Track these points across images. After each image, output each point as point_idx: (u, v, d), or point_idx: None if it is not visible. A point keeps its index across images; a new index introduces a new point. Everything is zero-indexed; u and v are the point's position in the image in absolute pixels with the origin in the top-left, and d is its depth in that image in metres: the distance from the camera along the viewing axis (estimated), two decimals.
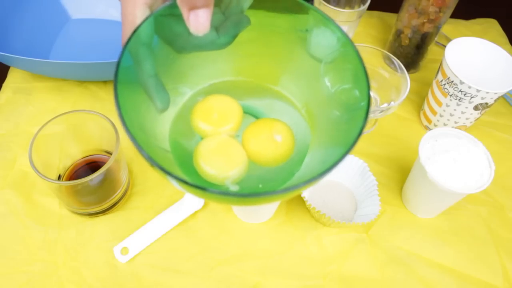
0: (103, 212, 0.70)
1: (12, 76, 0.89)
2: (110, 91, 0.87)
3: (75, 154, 0.73)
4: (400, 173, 0.79)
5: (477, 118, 0.80)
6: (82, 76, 0.86)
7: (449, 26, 1.07)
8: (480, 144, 0.68)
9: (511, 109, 0.92)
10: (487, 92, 0.72)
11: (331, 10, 0.87)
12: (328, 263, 0.68)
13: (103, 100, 0.86)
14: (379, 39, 1.03)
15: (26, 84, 0.87)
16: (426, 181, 0.66)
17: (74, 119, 0.68)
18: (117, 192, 0.69)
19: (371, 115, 0.77)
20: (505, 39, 1.06)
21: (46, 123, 0.66)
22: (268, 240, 0.70)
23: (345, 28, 0.91)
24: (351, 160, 0.74)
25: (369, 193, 0.71)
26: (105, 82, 0.88)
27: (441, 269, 0.68)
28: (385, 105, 0.84)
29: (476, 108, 0.76)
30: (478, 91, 0.73)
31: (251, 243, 0.69)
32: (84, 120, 0.69)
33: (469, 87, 0.73)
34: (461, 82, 0.73)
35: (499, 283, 0.67)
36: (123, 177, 0.70)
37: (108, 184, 0.67)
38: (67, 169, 0.72)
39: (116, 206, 0.71)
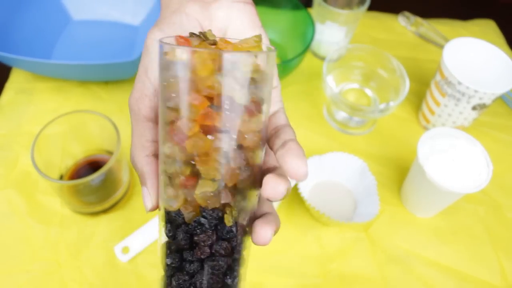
0: (104, 211, 0.69)
1: (14, 77, 0.89)
2: (111, 91, 0.87)
3: (76, 154, 0.73)
4: (399, 173, 0.78)
5: (475, 118, 0.80)
6: (84, 77, 0.86)
7: (447, 27, 1.06)
8: (478, 144, 0.68)
9: (509, 109, 0.91)
10: (485, 93, 0.72)
11: (330, 11, 0.87)
12: (328, 262, 0.67)
13: (104, 101, 0.85)
14: (378, 40, 1.02)
15: (28, 84, 0.87)
16: (425, 180, 0.66)
17: (76, 119, 0.68)
18: (118, 192, 0.69)
19: (370, 115, 0.77)
20: (502, 40, 1.06)
21: (48, 123, 0.66)
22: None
23: (344, 29, 0.91)
24: (350, 160, 0.74)
25: (368, 192, 0.71)
26: (106, 82, 0.88)
27: (439, 268, 0.68)
28: (384, 105, 0.84)
29: (474, 108, 0.76)
30: (476, 91, 0.73)
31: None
32: (86, 120, 0.69)
33: (467, 88, 0.73)
34: (459, 83, 0.73)
35: (497, 282, 0.67)
36: (124, 176, 0.70)
37: (109, 184, 0.67)
38: (69, 169, 0.71)
39: (117, 205, 0.71)
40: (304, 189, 0.70)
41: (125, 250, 0.66)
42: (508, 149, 0.84)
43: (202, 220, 0.33)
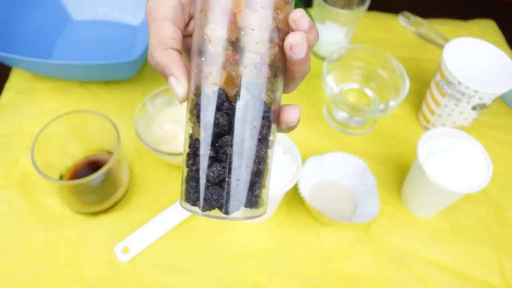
0: (104, 211, 0.69)
1: (15, 77, 0.89)
2: (111, 91, 0.87)
3: (76, 154, 0.72)
4: (399, 173, 0.78)
5: (475, 118, 0.79)
6: (84, 77, 0.85)
7: (447, 27, 1.06)
8: (478, 144, 0.68)
9: (509, 109, 0.91)
10: (485, 93, 0.72)
11: (330, 11, 0.86)
12: (328, 262, 0.67)
13: (104, 101, 0.85)
14: (378, 40, 1.02)
15: (28, 84, 0.87)
16: (425, 180, 0.66)
17: (76, 119, 0.68)
18: (118, 192, 0.69)
19: (370, 115, 0.77)
20: (502, 39, 1.05)
21: (48, 123, 0.66)
22: (268, 239, 0.69)
23: (344, 29, 0.91)
24: (350, 160, 0.73)
25: (369, 192, 0.71)
26: (106, 82, 0.88)
27: (440, 268, 0.68)
28: (384, 105, 0.84)
29: (474, 108, 0.76)
30: (476, 91, 0.72)
31: (251, 242, 0.69)
32: (86, 120, 0.69)
33: (467, 88, 0.73)
34: (459, 83, 0.73)
35: (497, 282, 0.67)
36: (124, 176, 0.70)
37: (109, 184, 0.67)
38: (69, 169, 0.71)
39: (117, 205, 0.70)
40: (304, 189, 0.70)
41: (125, 250, 0.66)
42: (508, 149, 0.84)
43: (246, 94, 0.34)
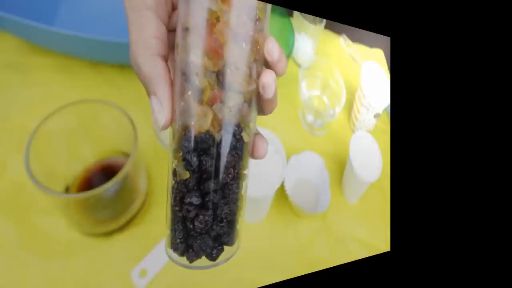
0: (119, 229, 0.27)
1: (3, 46, 0.30)
2: (129, 77, 0.34)
3: (86, 157, 0.27)
4: (343, 168, 0.44)
5: (375, 124, 0.46)
6: (95, 55, 0.32)
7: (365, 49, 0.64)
8: (375, 142, 0.38)
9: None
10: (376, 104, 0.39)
11: (303, 23, 0.43)
12: (301, 251, 0.36)
13: (119, 88, 0.33)
14: (330, 54, 0.58)
15: (21, 58, 0.30)
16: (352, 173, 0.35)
17: (86, 111, 0.23)
18: (135, 203, 0.27)
19: (325, 119, 0.41)
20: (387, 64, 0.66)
21: (49, 116, 0.20)
22: (266, 239, 0.35)
23: (311, 41, 0.47)
24: (314, 158, 0.39)
25: (324, 186, 0.38)
26: (122, 66, 0.34)
27: (363, 245, 0.40)
28: (333, 111, 0.46)
29: (374, 116, 0.43)
30: (374, 103, 0.39)
31: (249, 242, 0.34)
32: (98, 113, 0.24)
33: (370, 100, 0.39)
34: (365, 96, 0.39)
35: (383, 246, 0.42)
36: (142, 184, 0.27)
37: (125, 194, 0.25)
38: (77, 178, 0.26)
39: (134, 221, 0.28)
40: (288, 187, 0.35)
41: (143, 273, 0.26)
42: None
43: (229, 137, 0.12)
